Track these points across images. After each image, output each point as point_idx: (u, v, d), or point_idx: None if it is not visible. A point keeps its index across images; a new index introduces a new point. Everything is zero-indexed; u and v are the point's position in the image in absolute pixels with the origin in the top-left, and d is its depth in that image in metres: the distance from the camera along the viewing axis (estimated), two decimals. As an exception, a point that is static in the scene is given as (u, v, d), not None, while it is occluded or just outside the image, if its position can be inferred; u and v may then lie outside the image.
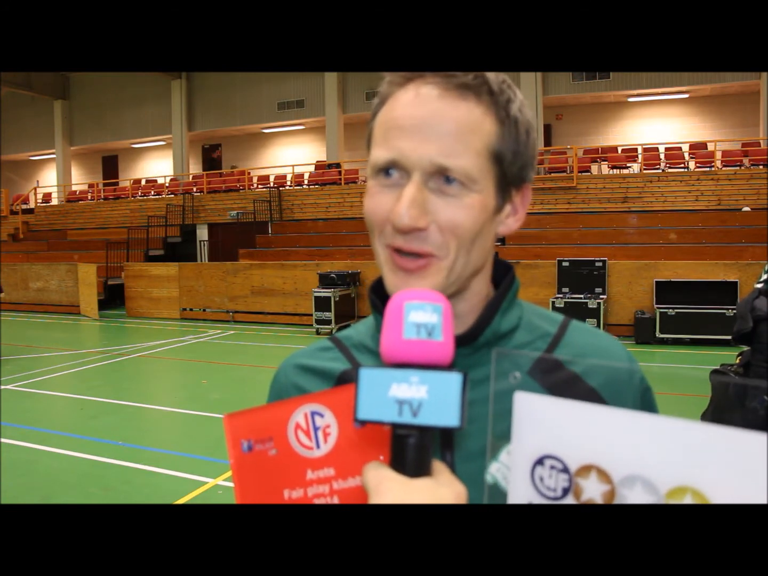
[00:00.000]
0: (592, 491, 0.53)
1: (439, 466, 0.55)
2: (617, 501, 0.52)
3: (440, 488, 0.52)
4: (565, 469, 0.55)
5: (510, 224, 0.75)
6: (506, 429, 0.58)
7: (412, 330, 0.53)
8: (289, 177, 19.80)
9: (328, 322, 12.26)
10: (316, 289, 12.54)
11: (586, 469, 0.54)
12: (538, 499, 0.56)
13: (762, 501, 0.46)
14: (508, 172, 0.71)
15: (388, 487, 0.52)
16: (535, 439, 0.56)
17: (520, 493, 0.57)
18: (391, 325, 0.54)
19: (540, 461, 0.56)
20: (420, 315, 0.54)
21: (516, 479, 0.58)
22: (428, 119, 0.66)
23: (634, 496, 0.51)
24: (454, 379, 0.52)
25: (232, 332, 12.85)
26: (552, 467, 0.55)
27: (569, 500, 0.54)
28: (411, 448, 0.53)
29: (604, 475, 0.53)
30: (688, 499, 0.49)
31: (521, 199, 0.75)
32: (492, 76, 0.69)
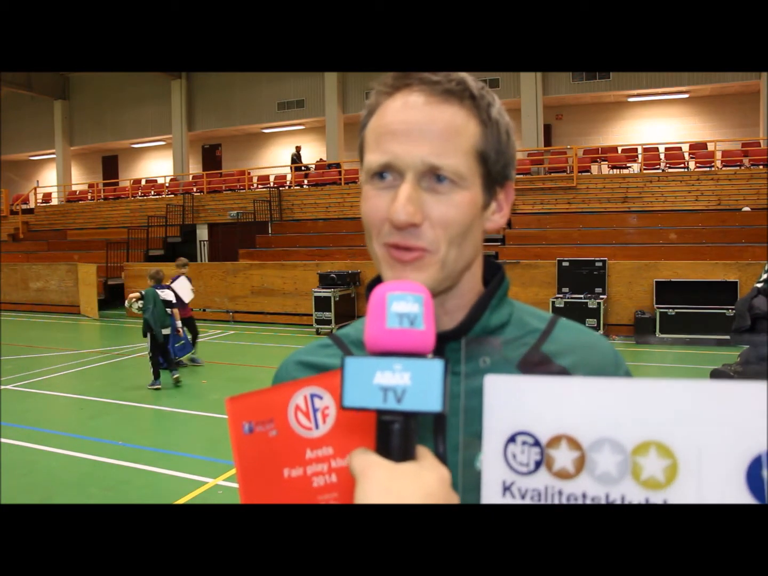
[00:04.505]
0: (564, 460, 0.56)
1: (422, 451, 0.56)
2: (587, 466, 0.55)
3: (424, 472, 0.54)
4: (537, 443, 0.57)
5: (496, 220, 0.79)
6: None
7: (395, 319, 0.55)
8: (288, 177, 19.81)
9: (328, 322, 12.27)
10: (316, 289, 12.55)
11: (556, 440, 0.56)
12: (511, 477, 0.58)
13: (720, 446, 0.49)
14: (493, 170, 0.75)
15: (374, 472, 0.53)
16: (506, 418, 0.59)
17: (494, 473, 0.60)
18: (374, 316, 0.56)
19: (512, 439, 0.58)
20: (402, 305, 0.55)
21: (489, 459, 0.60)
22: (418, 123, 0.70)
23: (603, 458, 0.54)
24: (436, 365, 0.53)
25: (232, 332, 12.86)
26: (524, 443, 0.58)
27: (542, 473, 0.57)
28: (396, 433, 0.54)
29: (573, 443, 0.55)
30: (652, 453, 0.52)
31: (505, 196, 0.79)
32: (472, 83, 0.72)
